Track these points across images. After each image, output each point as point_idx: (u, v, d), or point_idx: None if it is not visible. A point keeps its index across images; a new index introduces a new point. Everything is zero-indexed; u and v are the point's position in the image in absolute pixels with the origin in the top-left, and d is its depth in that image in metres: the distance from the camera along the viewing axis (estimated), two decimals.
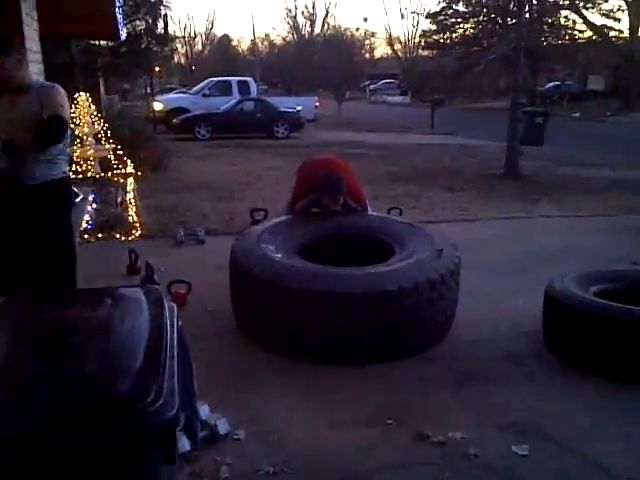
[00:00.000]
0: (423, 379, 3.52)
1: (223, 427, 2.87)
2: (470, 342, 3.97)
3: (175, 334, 1.77)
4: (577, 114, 28.48)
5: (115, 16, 7.64)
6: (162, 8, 22.05)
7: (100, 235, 6.92)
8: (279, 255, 3.98)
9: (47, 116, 3.61)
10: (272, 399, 3.32)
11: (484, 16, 20.54)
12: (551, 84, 36.05)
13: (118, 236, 6.89)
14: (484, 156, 14.17)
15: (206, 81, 25.13)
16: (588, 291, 3.69)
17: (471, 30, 23.57)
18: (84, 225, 7.07)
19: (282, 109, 19.96)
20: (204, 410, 2.92)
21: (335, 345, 3.60)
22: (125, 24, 18.57)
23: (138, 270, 5.43)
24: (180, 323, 1.97)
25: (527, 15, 16.35)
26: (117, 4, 6.45)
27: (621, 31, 25.83)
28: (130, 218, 7.41)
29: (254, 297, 3.89)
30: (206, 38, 54.51)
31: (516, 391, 3.39)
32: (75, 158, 10.28)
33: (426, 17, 25.84)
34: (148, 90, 20.67)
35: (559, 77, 35.54)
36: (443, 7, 24.82)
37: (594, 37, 18.15)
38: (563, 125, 17.72)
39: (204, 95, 23.10)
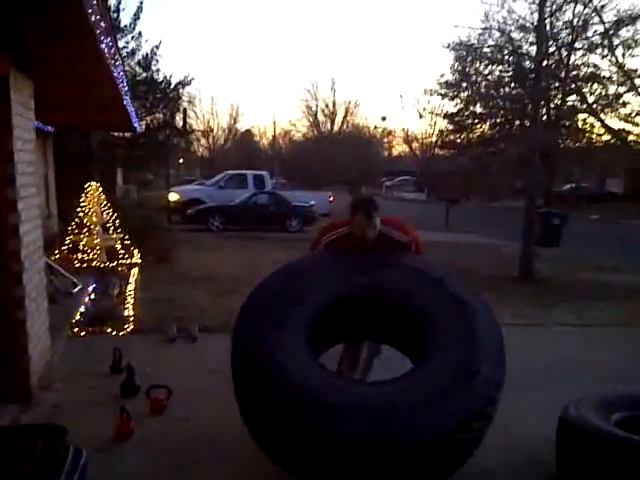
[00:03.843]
0: None
1: None
2: (473, 475, 3.41)
3: None
4: (596, 216, 28.26)
5: (126, 109, 7.61)
6: (182, 103, 22.60)
7: (91, 329, 6.58)
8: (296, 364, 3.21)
9: None
10: None
11: (501, 117, 20.69)
12: (568, 186, 36.07)
13: (110, 330, 6.55)
14: (499, 256, 13.81)
15: (222, 174, 25.38)
16: (609, 420, 3.24)
17: (488, 131, 23.76)
18: (77, 317, 6.78)
19: (295, 203, 19.99)
20: None
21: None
22: (144, 117, 19.00)
23: (122, 370, 5.08)
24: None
25: (544, 117, 16.39)
26: (125, 97, 6.36)
27: None
28: (125, 311, 7.10)
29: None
30: (229, 132, 55.69)
31: None
32: (81, 247, 10.20)
33: (444, 117, 26.10)
34: (168, 182, 20.95)
35: (576, 179, 35.56)
36: (460, 108, 25.16)
37: (612, 140, 18.12)
38: (581, 227, 17.49)
39: (220, 187, 23.24)
